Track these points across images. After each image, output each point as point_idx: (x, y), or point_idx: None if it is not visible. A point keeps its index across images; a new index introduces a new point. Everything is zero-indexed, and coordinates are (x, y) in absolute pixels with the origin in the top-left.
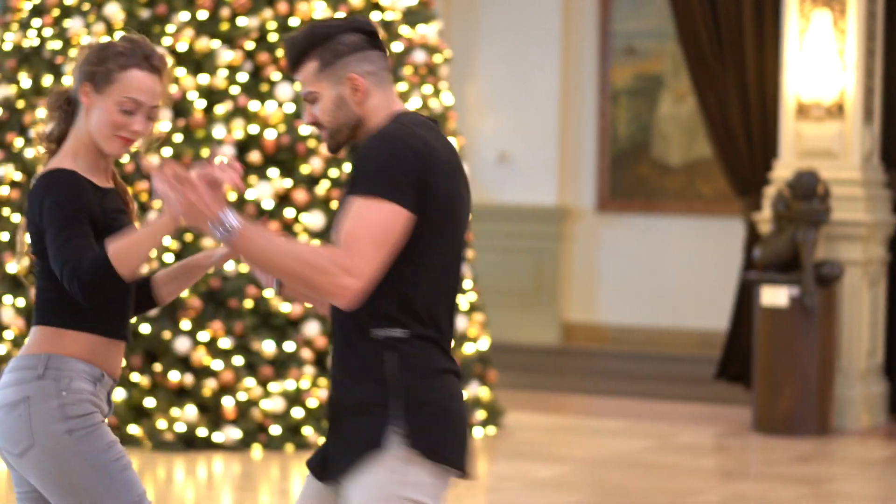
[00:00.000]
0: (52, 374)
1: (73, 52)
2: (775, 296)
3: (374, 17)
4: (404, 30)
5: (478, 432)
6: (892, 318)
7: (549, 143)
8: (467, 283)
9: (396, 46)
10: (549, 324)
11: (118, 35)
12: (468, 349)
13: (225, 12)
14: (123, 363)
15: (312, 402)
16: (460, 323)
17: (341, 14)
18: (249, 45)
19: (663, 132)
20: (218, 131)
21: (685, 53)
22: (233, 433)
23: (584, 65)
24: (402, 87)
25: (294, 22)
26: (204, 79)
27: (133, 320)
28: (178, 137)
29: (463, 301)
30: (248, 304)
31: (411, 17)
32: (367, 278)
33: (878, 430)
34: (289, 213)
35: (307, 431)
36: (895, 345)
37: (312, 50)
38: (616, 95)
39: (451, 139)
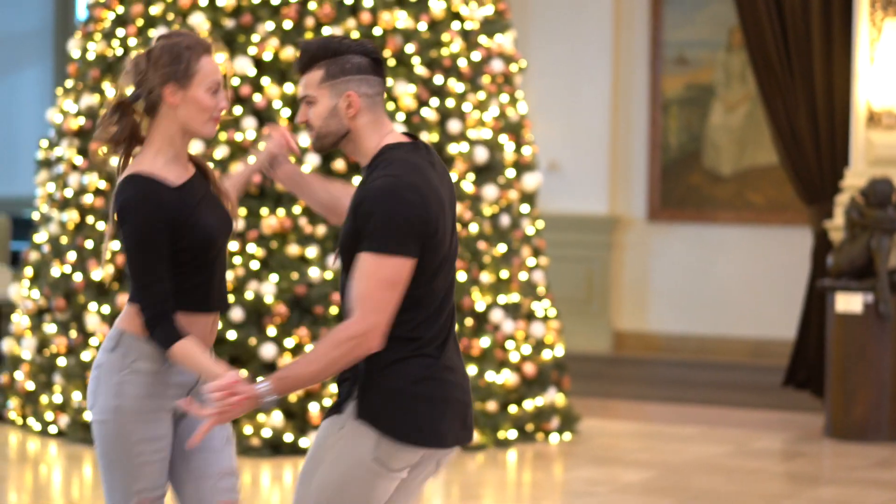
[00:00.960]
0: (121, 351)
1: None
2: (849, 302)
3: (455, 26)
4: (482, 39)
5: (554, 438)
6: None
7: (600, 152)
8: (541, 291)
9: (475, 56)
10: (600, 332)
11: (156, 36)
12: (546, 356)
13: (309, 22)
14: (210, 339)
15: None
16: (538, 330)
17: (423, 24)
18: None
19: (714, 141)
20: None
21: (752, 61)
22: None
23: (635, 74)
24: (480, 95)
25: (377, 31)
26: (289, 87)
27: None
28: (263, 145)
29: (539, 308)
30: (333, 310)
31: (488, 26)
32: (384, 326)
33: None
34: None
35: None
36: None
37: (322, 60)
38: (667, 105)
39: (527, 148)
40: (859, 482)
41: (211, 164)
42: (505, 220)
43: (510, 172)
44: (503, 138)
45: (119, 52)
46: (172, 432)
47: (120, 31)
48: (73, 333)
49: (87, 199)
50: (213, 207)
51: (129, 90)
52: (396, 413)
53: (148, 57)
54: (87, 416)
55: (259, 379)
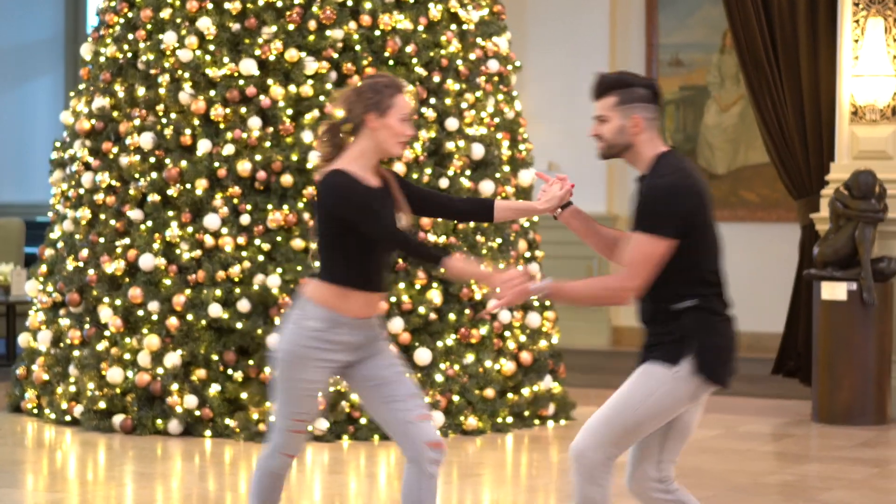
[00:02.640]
0: (301, 313)
1: (166, 64)
2: (834, 291)
3: (452, 28)
4: (479, 40)
5: (550, 424)
6: None
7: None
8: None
9: (472, 56)
10: (599, 328)
11: (370, 75)
12: (542, 344)
13: (312, 24)
14: (370, 311)
15: None
16: (534, 320)
17: (422, 25)
18: (335, 55)
19: (709, 141)
20: (306, 137)
21: (741, 61)
22: (322, 424)
23: None
24: (477, 94)
25: (377, 33)
26: (292, 87)
27: (224, 314)
28: (267, 143)
29: (535, 299)
30: None
31: (485, 27)
32: (639, 291)
33: None
34: None
35: None
36: None
37: (616, 89)
38: (663, 106)
39: (523, 146)
40: (843, 460)
41: (218, 163)
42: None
43: (506, 168)
44: (499, 136)
45: (129, 55)
46: (327, 379)
47: (129, 36)
48: (87, 326)
49: (99, 196)
50: (391, 210)
51: (340, 114)
52: (717, 363)
53: (356, 91)
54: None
55: (540, 279)
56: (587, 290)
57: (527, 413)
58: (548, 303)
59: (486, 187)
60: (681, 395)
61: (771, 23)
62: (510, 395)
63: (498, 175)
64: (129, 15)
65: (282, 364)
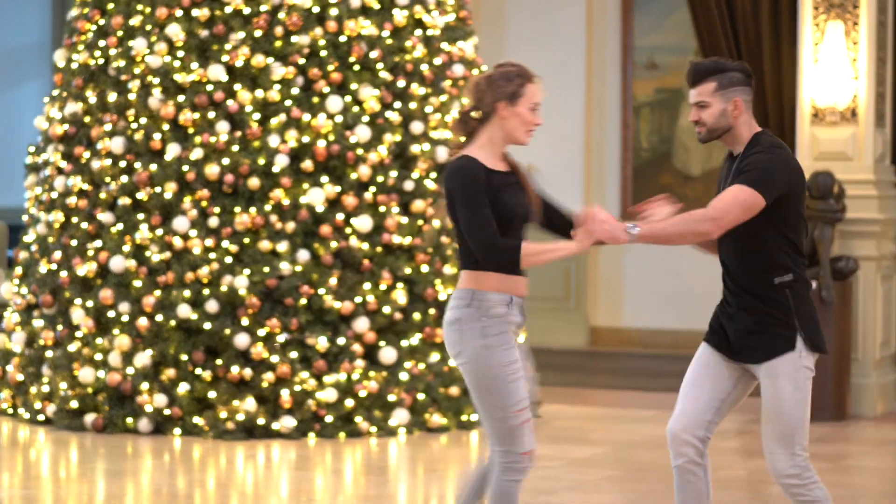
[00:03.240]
0: (476, 305)
1: (136, 70)
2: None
3: (417, 33)
4: (444, 45)
5: None
6: None
7: (575, 154)
8: None
9: (437, 61)
10: (577, 328)
11: (497, 65)
12: None
13: (278, 30)
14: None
15: (363, 393)
16: None
17: (387, 31)
18: (301, 60)
19: (684, 143)
20: (273, 141)
21: None
22: (289, 422)
23: (608, 80)
24: (442, 98)
25: (342, 38)
26: (259, 93)
27: (193, 315)
28: (235, 147)
29: None
30: (303, 301)
31: (450, 33)
32: (722, 226)
33: (893, 415)
34: (339, 216)
35: (358, 419)
36: None
37: (714, 75)
38: (638, 108)
39: None
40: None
41: (187, 167)
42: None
43: None
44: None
45: (101, 61)
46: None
47: (101, 42)
48: (60, 327)
49: (72, 200)
50: (517, 194)
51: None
52: (820, 333)
53: (487, 79)
54: (452, 362)
55: (630, 224)
56: (675, 227)
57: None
58: None
59: None
60: (810, 373)
61: (735, 26)
62: None
63: None
64: (101, 22)
65: (481, 363)
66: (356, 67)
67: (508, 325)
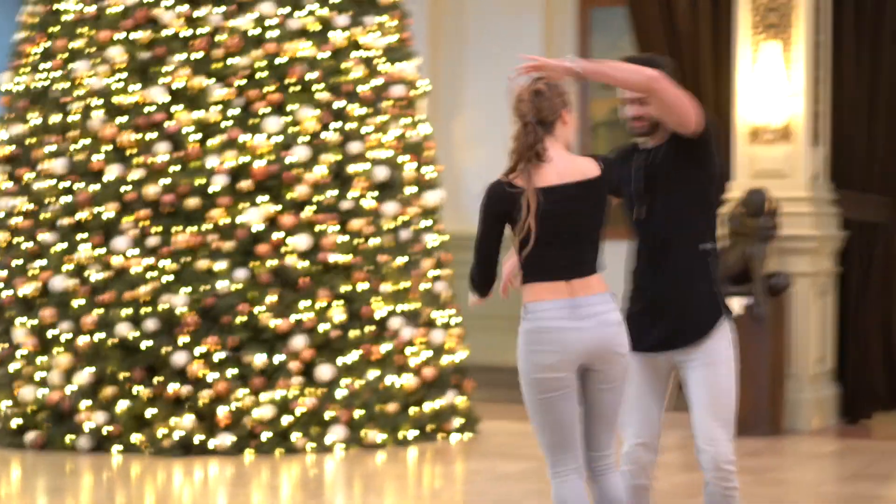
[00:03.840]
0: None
1: (78, 92)
2: (730, 306)
3: (354, 54)
4: (384, 66)
5: (454, 437)
6: (843, 327)
7: None
8: (444, 300)
9: (376, 81)
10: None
11: (530, 81)
12: (444, 360)
13: (218, 52)
14: None
15: (299, 410)
16: (437, 336)
17: (324, 53)
18: (240, 82)
19: None
20: (211, 161)
21: None
22: (226, 439)
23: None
24: (382, 118)
25: (281, 60)
26: (198, 113)
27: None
28: (175, 168)
29: (440, 317)
30: (240, 319)
31: (391, 53)
32: (661, 88)
33: (828, 430)
34: (277, 235)
35: (295, 437)
36: (846, 352)
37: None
38: (595, 127)
39: (429, 168)
40: None
41: (128, 187)
42: (405, 235)
43: (411, 190)
44: (404, 158)
45: (45, 83)
46: None
47: (45, 65)
48: (2, 346)
49: (15, 221)
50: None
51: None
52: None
53: (543, 93)
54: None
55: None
56: (619, 68)
57: (430, 427)
58: (453, 321)
59: (389, 208)
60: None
61: (678, 45)
62: (413, 410)
63: (401, 196)
64: (46, 45)
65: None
66: (295, 88)
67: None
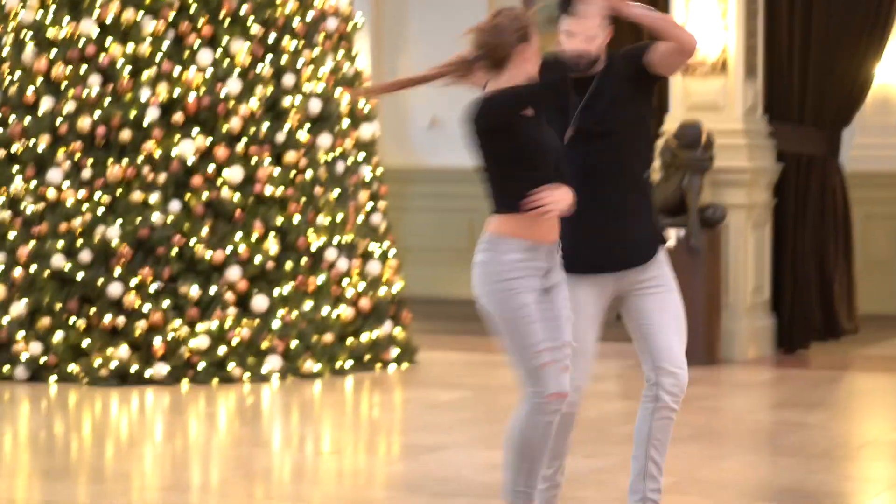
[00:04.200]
0: (493, 248)
1: (10, 25)
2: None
3: None
4: (317, 1)
5: (392, 367)
6: (778, 258)
7: None
8: (383, 233)
9: (310, 15)
10: None
11: (496, 12)
12: (381, 292)
13: None
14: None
15: (235, 340)
16: (374, 268)
17: None
18: (172, 15)
19: None
20: (144, 94)
21: None
22: (162, 369)
23: None
24: (315, 51)
25: None
26: (130, 47)
27: (67, 265)
28: (107, 101)
29: (376, 249)
30: (175, 251)
31: None
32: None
33: (764, 360)
34: (210, 168)
35: (230, 366)
36: (782, 282)
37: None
38: None
39: (363, 101)
40: None
41: (60, 120)
42: (340, 167)
43: (345, 123)
44: (338, 91)
45: None
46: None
47: None
48: None
49: None
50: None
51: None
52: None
53: (497, 27)
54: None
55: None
56: (664, 20)
57: (367, 357)
58: (391, 252)
59: (324, 141)
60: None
61: None
62: (350, 341)
63: (336, 129)
64: None
65: (497, 303)
66: (227, 22)
67: (527, 270)
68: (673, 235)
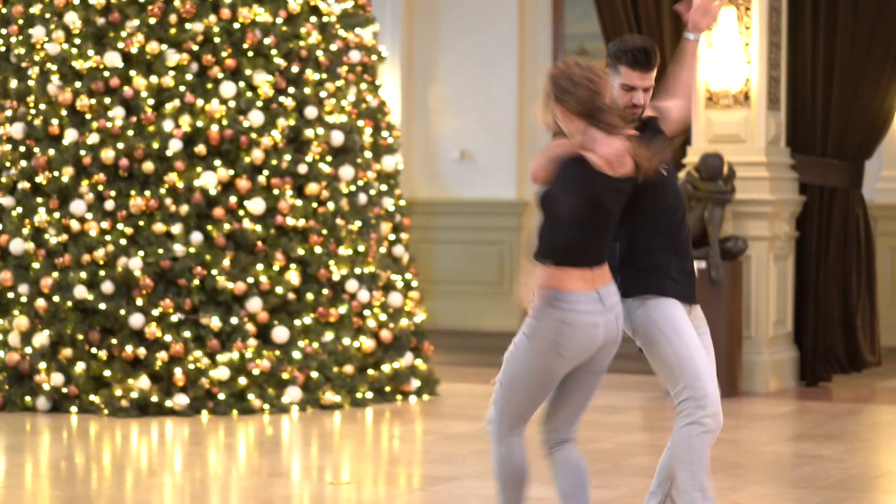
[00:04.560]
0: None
1: (36, 57)
2: None
3: (313, 20)
4: (341, 32)
5: (412, 399)
6: (801, 290)
7: (508, 140)
8: (405, 265)
9: (333, 47)
10: (510, 311)
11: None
12: (403, 323)
13: (173, 17)
14: None
15: (255, 371)
16: (395, 299)
17: (280, 18)
18: (195, 47)
19: None
20: (167, 125)
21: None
22: (182, 400)
23: (540, 66)
24: (338, 83)
25: (236, 25)
26: (154, 79)
27: (90, 296)
28: (130, 132)
29: (398, 280)
30: (196, 282)
31: (347, 20)
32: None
33: (785, 392)
34: (232, 199)
35: (251, 397)
36: (804, 315)
37: (656, 58)
38: None
39: (386, 133)
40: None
41: (84, 151)
42: (362, 199)
43: (368, 154)
44: (361, 123)
45: (2, 49)
46: None
47: (2, 30)
48: None
49: None
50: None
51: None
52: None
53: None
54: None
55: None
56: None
57: (388, 389)
58: (413, 283)
59: (346, 172)
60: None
61: (637, 12)
62: (370, 372)
63: (359, 161)
64: (3, 10)
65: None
66: (250, 54)
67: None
68: (695, 267)
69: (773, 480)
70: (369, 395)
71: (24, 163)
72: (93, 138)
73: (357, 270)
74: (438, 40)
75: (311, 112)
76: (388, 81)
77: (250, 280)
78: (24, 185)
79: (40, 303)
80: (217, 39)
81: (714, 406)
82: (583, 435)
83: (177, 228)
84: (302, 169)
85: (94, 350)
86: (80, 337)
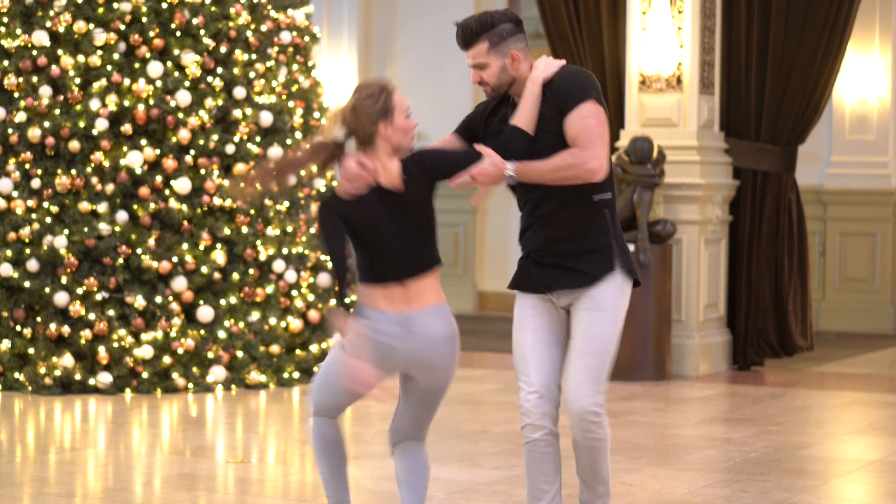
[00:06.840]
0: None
1: None
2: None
3: (243, 0)
4: (273, 13)
5: None
6: (734, 275)
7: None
8: None
9: (263, 27)
10: (465, 293)
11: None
12: (333, 303)
13: None
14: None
15: (180, 350)
16: (325, 280)
17: None
18: (123, 27)
19: None
20: (93, 105)
21: (547, 31)
22: (106, 378)
23: None
24: (269, 64)
25: (164, 5)
26: (81, 58)
27: (15, 273)
28: (57, 111)
29: (329, 260)
30: (121, 261)
31: (279, 0)
32: (605, 157)
33: (715, 376)
34: (158, 178)
35: (175, 376)
36: (737, 299)
37: (485, 34)
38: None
39: (318, 114)
40: None
41: (11, 129)
42: (291, 179)
43: (298, 135)
44: (291, 104)
45: None
46: None
47: None
48: None
49: None
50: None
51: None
52: (632, 260)
53: (353, 109)
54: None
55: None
56: (554, 168)
57: (315, 369)
58: None
59: (275, 153)
60: (627, 302)
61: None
62: (298, 352)
63: (289, 141)
64: None
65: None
66: (178, 34)
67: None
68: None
69: (671, 462)
70: (296, 375)
71: None
72: (20, 116)
73: (285, 251)
74: (395, 21)
75: (239, 92)
76: (346, 61)
77: (175, 259)
78: None
79: None
80: (145, 19)
81: (527, 404)
82: (496, 417)
83: (102, 207)
84: (230, 149)
85: (18, 328)
86: (5, 314)
